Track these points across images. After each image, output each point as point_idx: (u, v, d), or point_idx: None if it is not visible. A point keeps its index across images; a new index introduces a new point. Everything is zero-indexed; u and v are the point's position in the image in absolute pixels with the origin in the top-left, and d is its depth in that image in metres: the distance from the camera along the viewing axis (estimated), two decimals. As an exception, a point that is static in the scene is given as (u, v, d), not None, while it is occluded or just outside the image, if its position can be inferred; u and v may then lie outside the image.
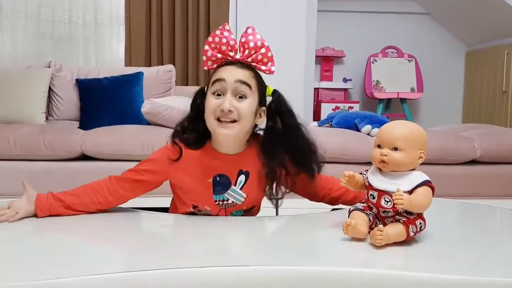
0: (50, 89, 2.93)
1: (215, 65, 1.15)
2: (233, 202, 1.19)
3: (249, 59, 1.14)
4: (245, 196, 1.19)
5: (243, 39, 1.13)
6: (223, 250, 1.00)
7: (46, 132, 2.34)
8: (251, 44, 1.13)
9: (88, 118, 2.77)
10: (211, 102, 1.11)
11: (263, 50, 1.14)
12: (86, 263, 0.87)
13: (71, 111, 2.93)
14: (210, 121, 1.11)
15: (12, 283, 0.77)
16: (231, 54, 1.13)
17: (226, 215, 1.20)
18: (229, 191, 1.17)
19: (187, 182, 1.16)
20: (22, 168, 2.29)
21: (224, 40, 1.12)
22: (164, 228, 1.14)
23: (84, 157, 2.33)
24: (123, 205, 1.21)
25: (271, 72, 1.16)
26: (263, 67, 1.15)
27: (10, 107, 2.73)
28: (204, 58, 1.14)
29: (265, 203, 1.32)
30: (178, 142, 1.16)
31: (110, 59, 3.74)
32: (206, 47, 1.13)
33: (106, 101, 2.79)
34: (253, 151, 1.18)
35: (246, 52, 1.13)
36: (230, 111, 1.09)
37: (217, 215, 1.19)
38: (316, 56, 3.85)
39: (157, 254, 0.94)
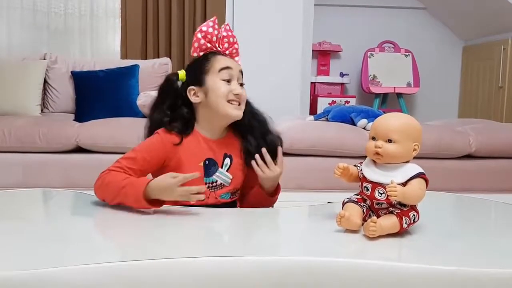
0: (45, 81, 2.91)
1: (201, 53, 1.26)
2: (221, 184, 1.27)
3: (227, 52, 1.28)
4: (231, 177, 1.28)
5: (224, 33, 1.27)
6: (219, 241, 1.00)
7: (41, 124, 2.33)
8: (231, 40, 1.28)
9: (84, 111, 2.76)
10: (224, 87, 1.22)
11: (236, 46, 1.29)
12: (81, 253, 0.87)
13: (67, 103, 2.91)
14: (223, 104, 1.22)
15: (7, 272, 0.77)
16: (217, 45, 1.27)
17: (216, 198, 1.26)
18: (217, 173, 1.27)
19: (181, 164, 1.22)
20: (17, 160, 2.28)
21: (216, 33, 1.25)
22: (161, 220, 1.13)
23: (79, 150, 2.33)
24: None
25: (239, 64, 1.30)
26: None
27: (5, 99, 2.72)
28: (196, 45, 1.26)
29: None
30: (171, 129, 1.23)
31: (105, 51, 3.72)
32: (199, 35, 1.25)
33: (101, 94, 2.77)
34: (232, 138, 1.30)
35: (226, 45, 1.27)
36: (241, 94, 1.24)
37: (208, 198, 1.24)
38: (313, 50, 3.84)
39: (152, 244, 0.94)
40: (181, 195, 1.07)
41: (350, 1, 4.51)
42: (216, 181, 1.26)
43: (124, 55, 3.47)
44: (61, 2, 3.65)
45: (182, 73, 1.27)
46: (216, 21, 1.27)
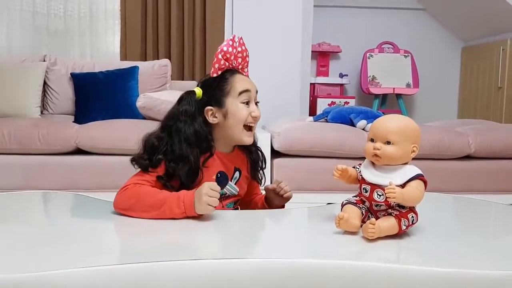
0: (45, 83, 2.91)
1: (219, 72, 1.25)
2: (228, 195, 1.29)
3: (240, 66, 1.27)
4: (238, 190, 1.30)
5: (239, 49, 1.25)
6: (218, 243, 1.01)
7: (41, 126, 2.33)
8: (244, 54, 1.27)
9: (83, 112, 2.76)
10: (244, 110, 1.23)
11: (247, 59, 1.29)
12: (81, 255, 0.87)
13: (66, 105, 2.92)
14: (238, 129, 1.24)
15: (7, 275, 0.77)
16: (234, 63, 1.25)
17: (223, 206, 1.27)
18: (227, 186, 1.27)
19: (203, 179, 1.21)
20: (17, 162, 2.28)
21: (235, 51, 1.24)
22: (162, 222, 1.14)
23: (79, 151, 2.33)
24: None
25: (247, 76, 1.31)
26: (243, 73, 1.30)
27: (5, 101, 2.72)
28: (216, 66, 1.24)
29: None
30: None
31: (105, 53, 3.72)
32: (220, 56, 1.23)
33: (101, 95, 2.78)
34: (240, 152, 1.33)
35: (239, 60, 1.26)
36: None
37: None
38: (312, 51, 3.84)
39: (152, 247, 0.94)
40: (210, 188, 1.08)
41: (349, 2, 4.51)
42: (226, 193, 1.28)
43: (124, 57, 3.47)
44: (61, 3, 3.65)
45: (199, 91, 1.25)
46: (236, 38, 1.25)
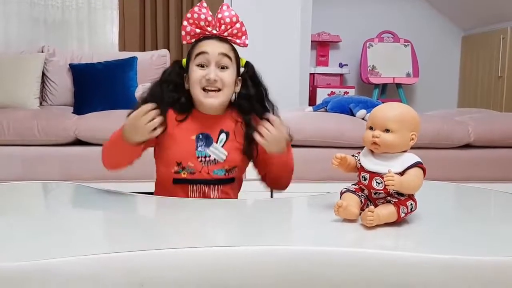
0: (43, 74, 2.91)
1: (193, 40, 1.26)
2: (214, 159, 1.26)
3: (226, 34, 1.25)
4: (226, 153, 1.26)
5: (219, 15, 1.24)
6: (217, 232, 1.01)
7: (39, 117, 2.33)
8: (227, 20, 1.24)
9: (82, 103, 2.76)
10: (197, 73, 1.22)
11: (237, 25, 1.25)
12: (81, 244, 0.87)
13: (65, 96, 2.91)
14: (196, 92, 1.23)
15: (8, 263, 0.77)
16: (209, 29, 1.24)
17: (208, 173, 1.26)
18: (211, 147, 1.25)
19: (173, 137, 1.25)
20: (16, 153, 2.28)
21: (202, 16, 1.23)
22: (162, 212, 1.14)
23: (78, 142, 2.33)
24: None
25: (245, 45, 1.27)
26: (238, 41, 1.27)
27: (3, 92, 2.71)
28: (183, 33, 1.25)
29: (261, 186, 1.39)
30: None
31: (103, 43, 3.71)
32: (185, 23, 1.25)
33: (99, 86, 2.77)
34: (232, 114, 1.29)
35: (223, 27, 1.24)
36: (215, 80, 1.21)
37: (200, 172, 1.25)
38: (312, 41, 3.83)
39: (152, 235, 0.94)
40: (134, 116, 1.17)
41: (349, -9, 4.49)
42: (210, 156, 1.25)
43: (122, 47, 3.46)
44: (59, -6, 3.63)
45: (184, 60, 1.30)
46: (204, 4, 1.24)
